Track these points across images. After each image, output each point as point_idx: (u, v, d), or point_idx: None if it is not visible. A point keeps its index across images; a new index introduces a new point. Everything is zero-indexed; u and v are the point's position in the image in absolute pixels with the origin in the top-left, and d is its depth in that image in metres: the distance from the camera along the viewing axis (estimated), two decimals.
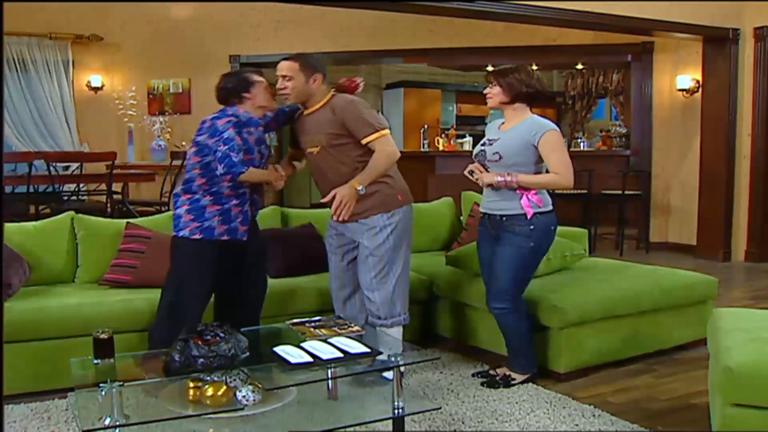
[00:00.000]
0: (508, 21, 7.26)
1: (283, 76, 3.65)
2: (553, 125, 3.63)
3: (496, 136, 3.73)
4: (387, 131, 3.64)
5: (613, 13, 6.85)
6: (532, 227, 3.61)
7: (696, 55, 8.01)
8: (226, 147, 3.43)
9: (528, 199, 3.60)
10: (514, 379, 3.76)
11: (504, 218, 3.67)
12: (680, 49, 8.20)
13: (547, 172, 3.66)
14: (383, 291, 3.69)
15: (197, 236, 3.51)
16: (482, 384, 3.77)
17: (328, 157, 3.66)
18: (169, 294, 3.58)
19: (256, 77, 3.65)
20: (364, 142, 3.60)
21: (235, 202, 3.58)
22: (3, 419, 1.86)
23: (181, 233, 3.54)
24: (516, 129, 3.65)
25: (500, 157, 3.62)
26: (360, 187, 3.56)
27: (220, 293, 3.74)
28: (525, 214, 3.61)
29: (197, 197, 3.54)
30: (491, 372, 3.90)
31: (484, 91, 3.75)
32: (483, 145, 3.77)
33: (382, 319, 3.72)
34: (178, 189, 3.66)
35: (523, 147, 3.60)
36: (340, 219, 3.60)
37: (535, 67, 11.28)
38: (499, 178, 3.58)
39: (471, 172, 3.72)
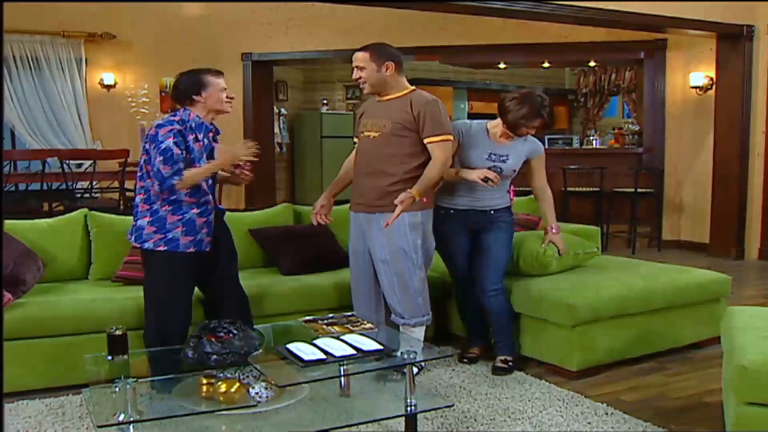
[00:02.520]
0: (519, 18, 7.24)
1: (356, 67, 3.71)
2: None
3: (502, 151, 3.94)
4: (451, 138, 3.71)
5: (625, 10, 6.82)
6: (512, 214, 4.13)
7: (709, 52, 7.96)
8: (161, 159, 3.27)
9: (512, 193, 4.20)
10: (510, 361, 3.96)
11: (493, 212, 3.99)
12: (693, 46, 8.15)
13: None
14: (405, 290, 3.72)
15: (162, 248, 3.39)
16: (494, 373, 3.89)
17: (384, 144, 3.68)
18: (150, 304, 3.48)
19: (210, 78, 3.45)
20: (427, 140, 3.65)
21: (196, 210, 3.43)
22: (3, 418, 1.87)
23: (145, 245, 3.40)
24: (518, 144, 3.98)
25: (515, 172, 4.01)
26: (418, 198, 3.58)
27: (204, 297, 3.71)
28: (510, 205, 4.09)
29: (156, 208, 3.40)
30: (468, 354, 4.13)
31: (530, 133, 3.93)
32: (490, 159, 3.91)
33: (406, 319, 3.76)
34: (136, 199, 3.48)
35: (523, 159, 4.03)
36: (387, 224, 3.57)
37: (546, 65, 11.34)
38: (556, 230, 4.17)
39: (486, 179, 3.79)
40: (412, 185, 3.59)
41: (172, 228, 3.40)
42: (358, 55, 3.72)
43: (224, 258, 3.66)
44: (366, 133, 3.78)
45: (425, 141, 3.65)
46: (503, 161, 3.91)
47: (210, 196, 3.53)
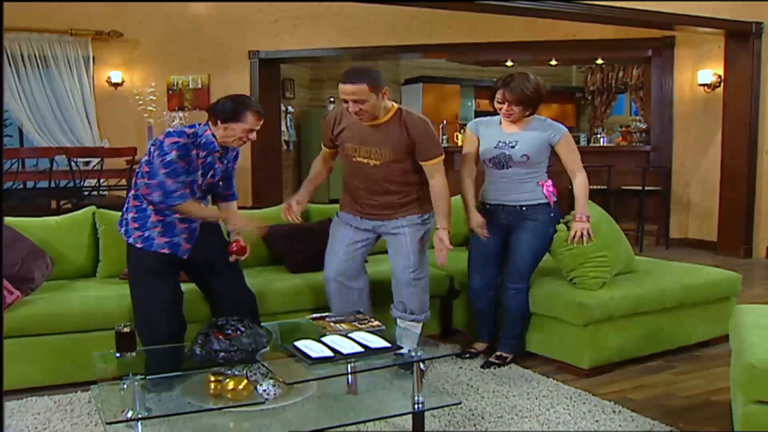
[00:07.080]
0: (527, 16, 7.22)
1: (355, 101, 3.48)
2: (564, 126, 3.95)
3: (510, 138, 3.90)
4: (443, 155, 3.75)
5: (633, 7, 6.80)
6: (552, 214, 3.92)
7: (718, 49, 7.92)
8: (165, 171, 3.34)
9: (548, 189, 3.91)
10: (506, 358, 4.00)
11: (524, 208, 3.90)
12: (702, 43, 8.11)
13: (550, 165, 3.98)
14: (418, 287, 3.80)
15: (139, 245, 3.49)
16: (482, 366, 3.94)
17: (389, 171, 3.71)
18: (132, 296, 3.56)
19: (249, 116, 3.41)
20: (426, 163, 3.68)
21: (178, 215, 3.50)
22: (3, 417, 1.88)
23: (129, 239, 3.53)
24: (532, 130, 3.90)
25: (528, 158, 3.85)
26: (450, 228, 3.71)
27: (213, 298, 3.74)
28: (548, 203, 3.90)
29: (144, 206, 3.50)
30: (470, 350, 4.14)
31: (504, 110, 3.86)
32: (497, 147, 3.91)
33: (416, 314, 3.82)
34: (130, 193, 3.59)
35: (543, 147, 3.88)
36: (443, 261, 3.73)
37: (554, 62, 11.29)
38: (585, 225, 3.83)
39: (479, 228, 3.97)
40: (423, 192, 3.74)
41: (151, 227, 3.49)
42: (354, 88, 3.46)
43: (219, 266, 3.66)
44: (363, 160, 3.72)
45: (425, 164, 3.68)
46: (511, 147, 3.87)
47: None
